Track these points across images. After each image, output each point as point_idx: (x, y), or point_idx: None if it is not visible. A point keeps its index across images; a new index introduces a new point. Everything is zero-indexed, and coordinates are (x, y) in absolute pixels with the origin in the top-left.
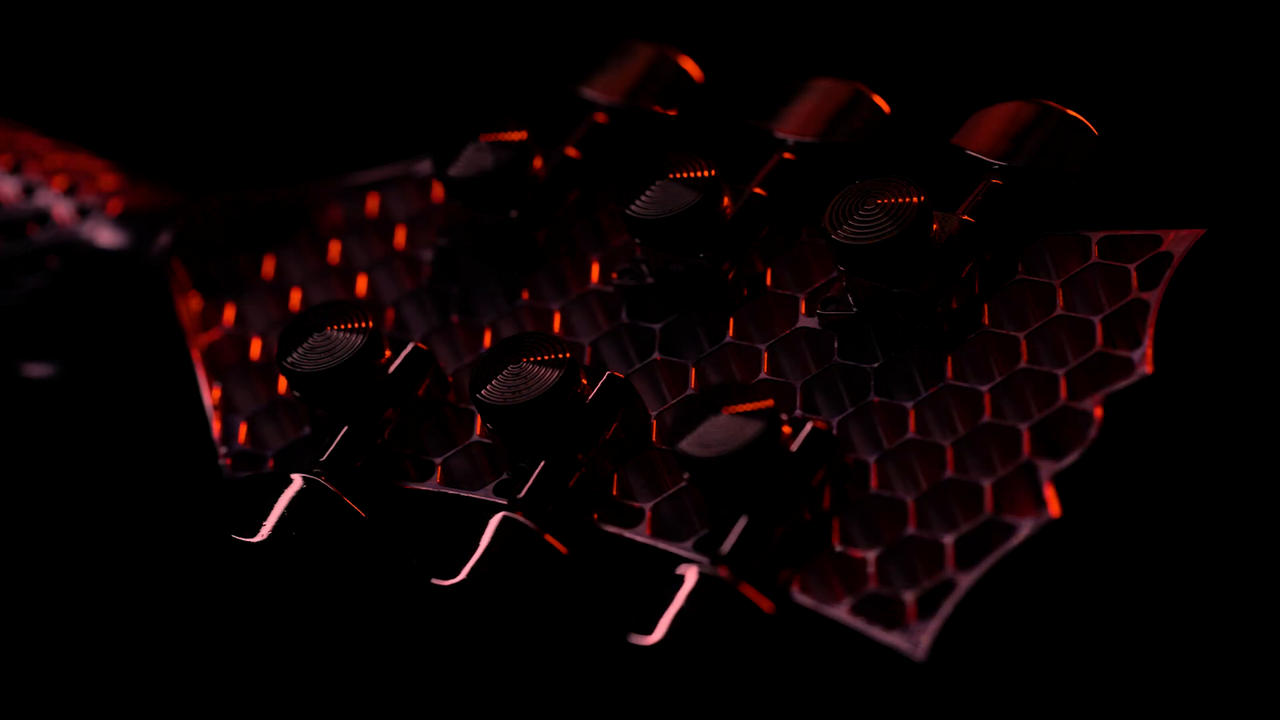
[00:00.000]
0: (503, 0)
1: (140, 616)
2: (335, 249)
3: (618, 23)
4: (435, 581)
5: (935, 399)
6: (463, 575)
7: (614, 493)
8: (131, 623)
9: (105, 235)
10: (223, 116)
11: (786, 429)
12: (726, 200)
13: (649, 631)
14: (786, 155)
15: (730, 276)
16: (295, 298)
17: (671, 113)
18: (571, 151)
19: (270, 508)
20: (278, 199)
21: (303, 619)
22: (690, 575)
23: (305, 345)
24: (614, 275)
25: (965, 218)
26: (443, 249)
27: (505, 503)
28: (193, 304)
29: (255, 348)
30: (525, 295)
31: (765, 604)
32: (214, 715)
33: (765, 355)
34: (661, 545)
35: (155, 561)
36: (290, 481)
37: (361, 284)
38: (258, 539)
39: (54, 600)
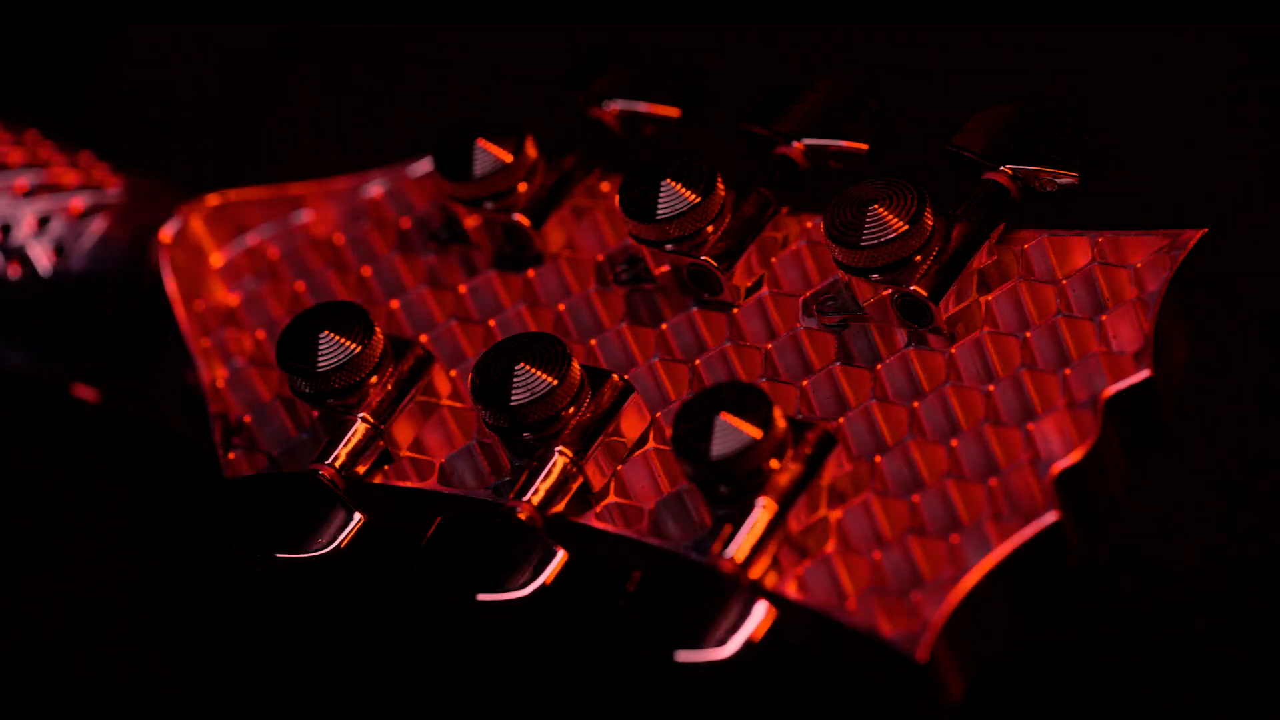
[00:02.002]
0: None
1: (139, 617)
2: (335, 249)
3: (619, 22)
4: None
5: (935, 399)
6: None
7: (614, 493)
8: (131, 623)
9: (106, 235)
10: (223, 116)
11: (787, 429)
12: (727, 200)
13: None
14: (787, 155)
15: (730, 277)
16: (296, 297)
17: (673, 113)
18: (573, 151)
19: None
20: (278, 198)
21: (303, 619)
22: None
23: (305, 345)
24: (614, 275)
25: (965, 218)
26: (443, 248)
27: (505, 503)
28: (193, 304)
29: (255, 347)
30: (525, 295)
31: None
32: (213, 716)
33: (765, 355)
34: (662, 545)
35: (155, 562)
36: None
37: (361, 283)
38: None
39: (55, 600)
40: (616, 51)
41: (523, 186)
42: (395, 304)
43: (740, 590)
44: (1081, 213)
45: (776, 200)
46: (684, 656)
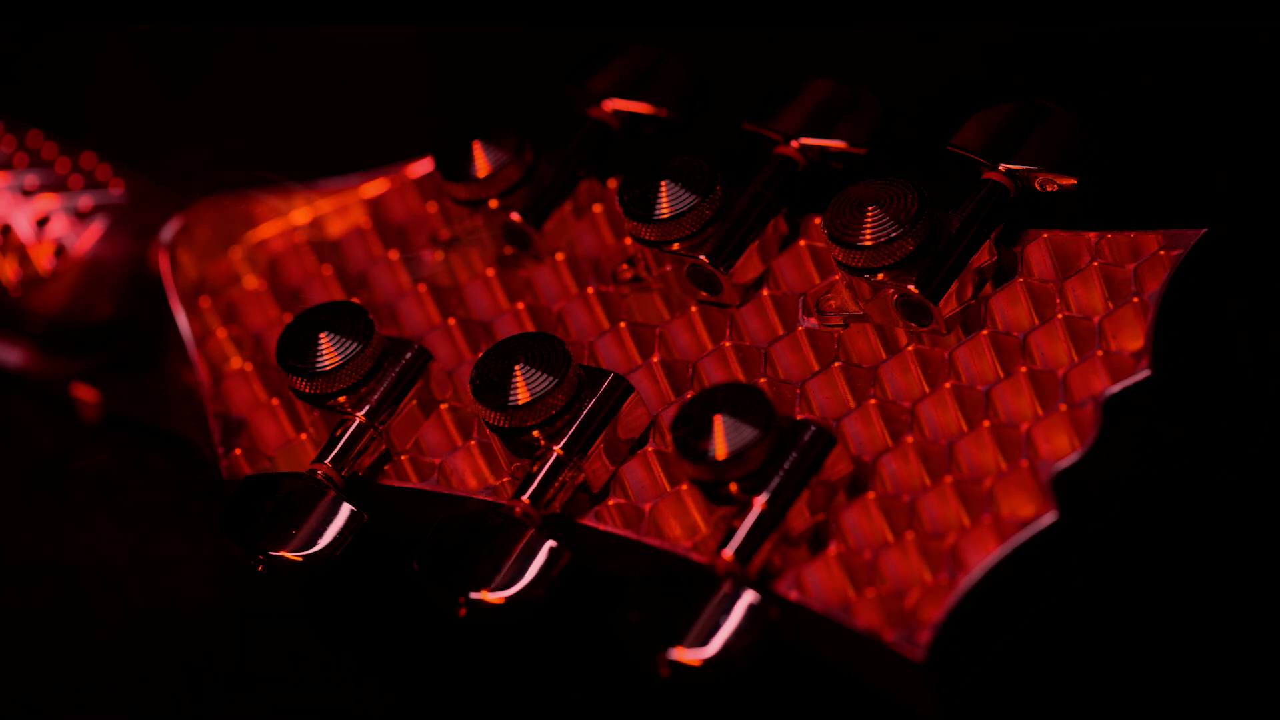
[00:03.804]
0: (504, 1)
1: (140, 617)
2: (335, 249)
3: (620, 23)
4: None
5: (935, 399)
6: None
7: (614, 493)
8: (131, 623)
9: (106, 235)
10: (223, 116)
11: (787, 429)
12: (727, 200)
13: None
14: (787, 155)
15: (730, 277)
16: (296, 297)
17: (668, 114)
18: (573, 152)
19: (277, 511)
20: (278, 199)
21: (302, 619)
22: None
23: (305, 345)
24: (614, 274)
25: (965, 218)
26: (442, 249)
27: (505, 503)
28: (193, 303)
29: (255, 348)
30: (525, 295)
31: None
32: (213, 716)
33: (765, 355)
34: (661, 545)
35: (156, 561)
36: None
37: (362, 283)
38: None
39: (55, 600)
40: (616, 51)
41: (522, 187)
42: (395, 304)
43: (738, 590)
44: (1081, 213)
45: (776, 200)
46: (680, 656)
